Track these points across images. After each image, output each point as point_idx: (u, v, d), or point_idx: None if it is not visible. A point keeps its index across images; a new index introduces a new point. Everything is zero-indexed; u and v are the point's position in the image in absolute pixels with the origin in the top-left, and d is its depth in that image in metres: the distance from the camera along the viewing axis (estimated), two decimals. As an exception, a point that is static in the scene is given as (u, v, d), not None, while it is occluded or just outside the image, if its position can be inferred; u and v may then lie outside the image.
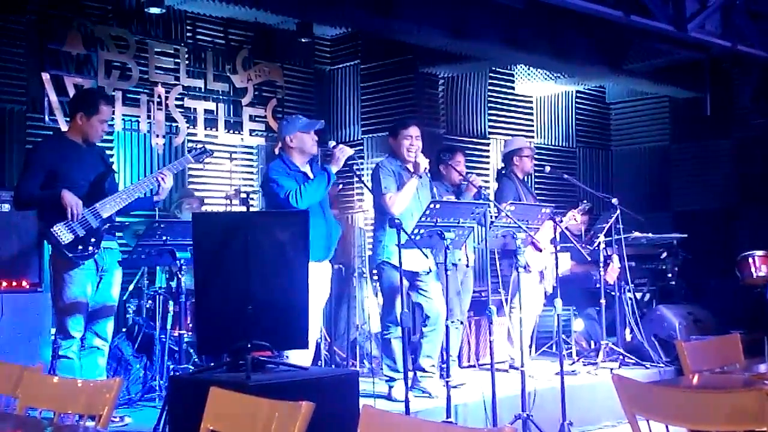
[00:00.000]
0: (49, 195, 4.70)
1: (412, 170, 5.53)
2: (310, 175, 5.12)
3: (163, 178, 4.96)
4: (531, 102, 9.17)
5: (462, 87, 8.50)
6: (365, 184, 5.69)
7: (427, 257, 5.46)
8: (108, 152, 6.85)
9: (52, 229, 4.64)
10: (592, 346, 7.29)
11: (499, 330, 6.39)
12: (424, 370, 5.60)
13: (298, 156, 5.15)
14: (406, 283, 5.41)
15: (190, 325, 5.81)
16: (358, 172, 5.51)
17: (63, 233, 4.65)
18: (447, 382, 4.73)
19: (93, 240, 4.74)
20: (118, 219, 5.14)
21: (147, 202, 5.17)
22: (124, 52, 7.16)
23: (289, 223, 4.27)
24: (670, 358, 6.78)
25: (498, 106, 8.81)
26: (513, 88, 8.92)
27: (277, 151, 5.28)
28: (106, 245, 4.90)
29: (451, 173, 6.35)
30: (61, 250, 4.69)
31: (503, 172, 6.98)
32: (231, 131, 7.86)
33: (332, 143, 5.17)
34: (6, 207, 5.60)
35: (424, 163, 5.48)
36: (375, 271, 5.97)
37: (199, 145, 5.48)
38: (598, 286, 6.89)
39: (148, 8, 6.59)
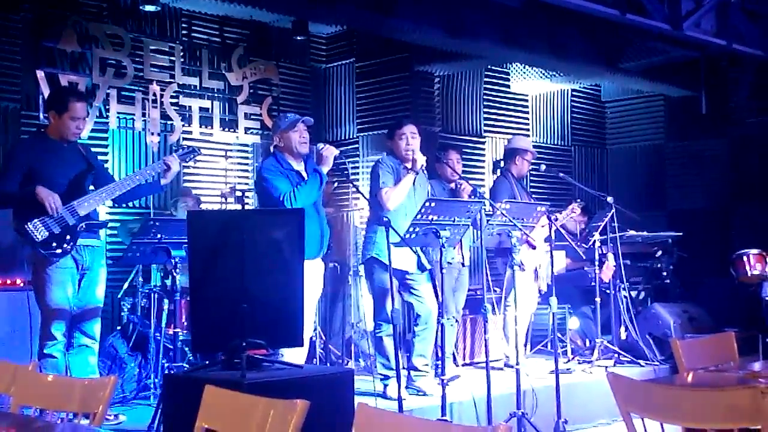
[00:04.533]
0: (25, 192, 4.65)
1: (409, 168, 5.54)
2: (304, 174, 5.10)
3: (171, 162, 4.95)
4: (526, 100, 9.18)
5: (458, 85, 8.50)
6: (354, 184, 5.68)
7: (418, 256, 5.46)
8: (102, 150, 6.88)
9: (26, 226, 4.60)
10: (587, 344, 7.29)
11: (494, 328, 6.39)
12: (417, 370, 5.59)
13: (290, 154, 5.13)
14: (395, 281, 5.41)
15: (185, 324, 5.80)
16: (346, 173, 5.50)
17: (37, 230, 4.61)
18: (442, 379, 4.72)
19: (68, 237, 4.68)
20: (105, 216, 5.10)
21: (154, 186, 5.11)
22: (119, 50, 7.14)
23: (284, 222, 4.26)
24: (664, 356, 6.79)
25: (494, 104, 8.81)
26: (508, 87, 8.92)
27: (272, 148, 5.27)
28: (88, 243, 4.85)
29: (446, 171, 6.35)
30: (35, 248, 4.66)
31: (500, 166, 6.98)
32: (226, 129, 7.85)
33: (320, 145, 5.14)
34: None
35: (421, 159, 5.48)
36: (365, 268, 5.93)
37: (189, 145, 5.44)
38: (593, 284, 6.90)
39: (143, 6, 6.59)
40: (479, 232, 5.34)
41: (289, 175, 5.03)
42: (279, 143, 5.14)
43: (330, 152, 5.05)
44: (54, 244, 4.65)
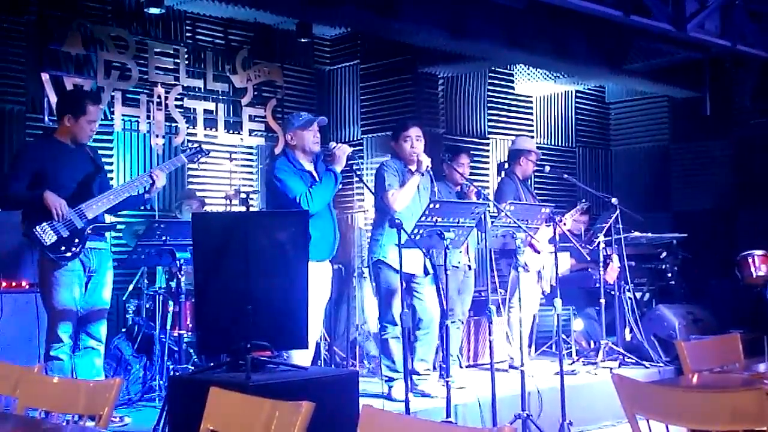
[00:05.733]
0: (32, 196, 4.65)
1: (414, 170, 5.54)
2: (315, 175, 5.11)
3: (156, 176, 4.94)
4: (531, 102, 9.17)
5: (462, 87, 8.50)
6: (366, 184, 5.69)
7: (425, 256, 5.45)
8: (107, 152, 6.89)
9: (34, 230, 4.60)
10: (592, 345, 7.28)
11: (498, 330, 6.39)
12: (419, 374, 5.58)
13: (301, 154, 5.14)
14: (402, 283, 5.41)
15: (190, 325, 5.81)
16: (358, 172, 5.51)
17: (46, 234, 4.62)
18: (447, 381, 4.72)
19: (76, 241, 4.69)
20: (111, 219, 5.11)
21: (139, 199, 5.10)
22: (124, 53, 7.16)
23: (288, 223, 4.27)
24: (669, 357, 6.78)
25: (498, 106, 8.81)
26: (513, 88, 8.92)
27: (278, 150, 5.28)
28: (95, 246, 4.85)
29: (453, 174, 6.35)
30: (43, 251, 4.66)
31: (505, 167, 6.98)
32: (231, 131, 7.86)
33: (332, 144, 5.16)
34: (6, 208, 5.58)
35: (426, 161, 5.48)
36: (371, 270, 5.93)
37: (195, 145, 5.44)
38: (597, 285, 6.89)
39: (147, 8, 6.59)
40: (483, 234, 5.34)
41: (302, 176, 5.03)
42: (291, 141, 5.14)
43: (343, 151, 5.06)
44: (63, 248, 4.66)
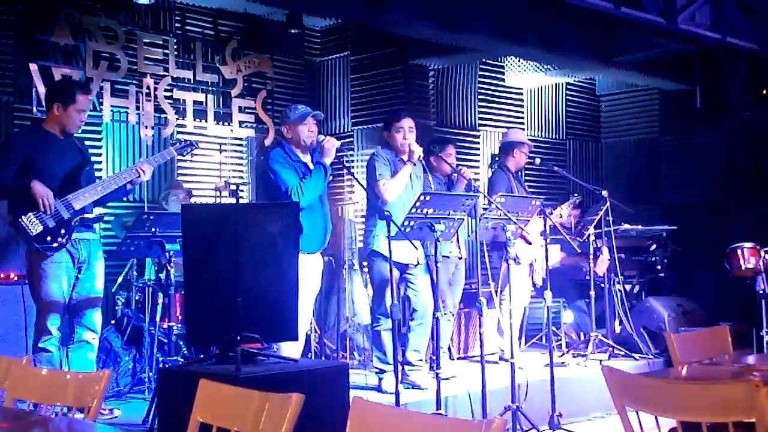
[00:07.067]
0: (19, 186, 4.62)
1: (406, 160, 5.54)
2: (311, 166, 5.10)
3: (143, 171, 4.91)
4: (521, 94, 9.17)
5: (452, 79, 8.49)
6: (354, 177, 5.68)
7: (416, 248, 5.46)
8: (96, 143, 6.86)
9: (20, 220, 4.57)
10: (582, 337, 7.30)
11: (489, 322, 6.40)
12: (411, 364, 5.59)
13: (297, 146, 5.14)
14: (396, 274, 5.41)
15: (180, 317, 5.79)
16: (347, 164, 5.50)
17: (32, 224, 4.58)
18: (437, 374, 4.73)
19: (63, 232, 4.66)
20: (99, 211, 5.08)
21: (121, 190, 5.03)
22: (113, 43, 7.11)
23: (278, 215, 4.26)
24: (659, 349, 6.81)
25: (488, 98, 8.80)
26: (503, 80, 8.91)
27: (267, 141, 5.26)
28: (84, 237, 4.83)
29: (442, 165, 6.35)
30: (29, 242, 4.63)
31: (497, 159, 6.99)
32: (220, 123, 7.83)
33: (321, 136, 5.15)
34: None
35: (418, 151, 5.49)
36: (365, 262, 5.97)
37: (185, 138, 5.41)
38: (587, 278, 6.91)
39: (136, -2, 6.56)
40: (475, 221, 5.35)
41: (296, 167, 5.03)
42: (287, 134, 5.14)
43: (332, 144, 5.07)
44: (49, 238, 4.63)
